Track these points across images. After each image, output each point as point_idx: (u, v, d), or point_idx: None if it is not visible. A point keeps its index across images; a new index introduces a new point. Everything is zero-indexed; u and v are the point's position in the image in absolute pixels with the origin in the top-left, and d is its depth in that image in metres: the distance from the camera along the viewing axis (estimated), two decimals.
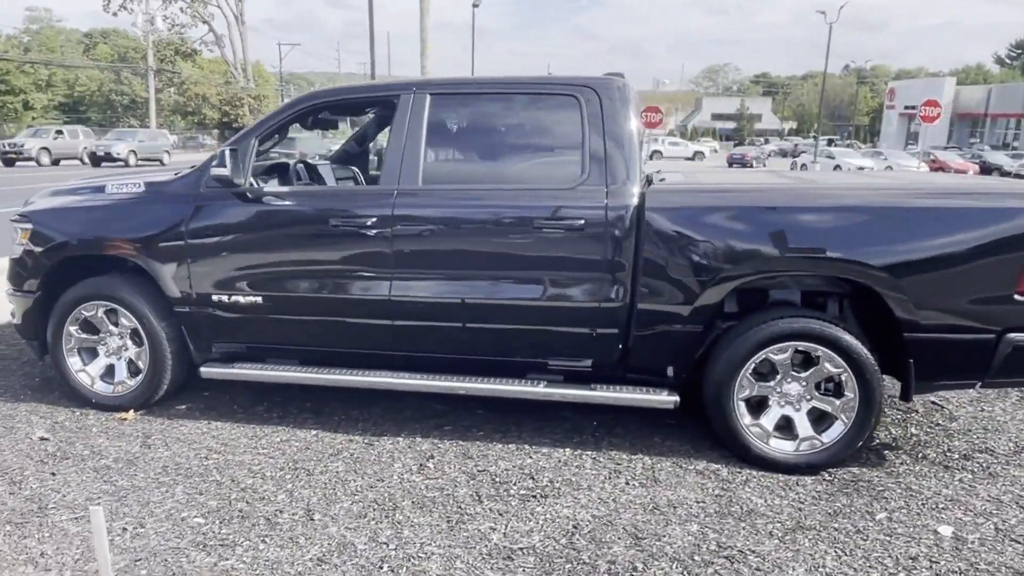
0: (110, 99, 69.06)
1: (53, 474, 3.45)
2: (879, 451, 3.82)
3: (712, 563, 2.78)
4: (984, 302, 3.35)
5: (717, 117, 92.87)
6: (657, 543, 2.91)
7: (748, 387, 3.56)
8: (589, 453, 3.74)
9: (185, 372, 4.21)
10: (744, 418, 3.58)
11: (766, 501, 3.28)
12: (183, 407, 4.30)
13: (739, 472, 3.55)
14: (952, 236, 3.32)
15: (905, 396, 3.55)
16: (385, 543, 2.91)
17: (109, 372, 4.24)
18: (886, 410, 4.39)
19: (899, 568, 2.78)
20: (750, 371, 3.54)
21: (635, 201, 3.55)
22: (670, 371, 3.71)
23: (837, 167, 32.76)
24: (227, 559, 2.78)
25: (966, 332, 3.38)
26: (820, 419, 3.57)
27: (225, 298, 3.95)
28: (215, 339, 4.08)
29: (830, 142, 58.93)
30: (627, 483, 3.43)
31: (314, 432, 3.97)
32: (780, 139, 74.57)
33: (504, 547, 2.89)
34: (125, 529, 2.98)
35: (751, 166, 42.47)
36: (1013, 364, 3.37)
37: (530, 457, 3.69)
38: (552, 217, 3.58)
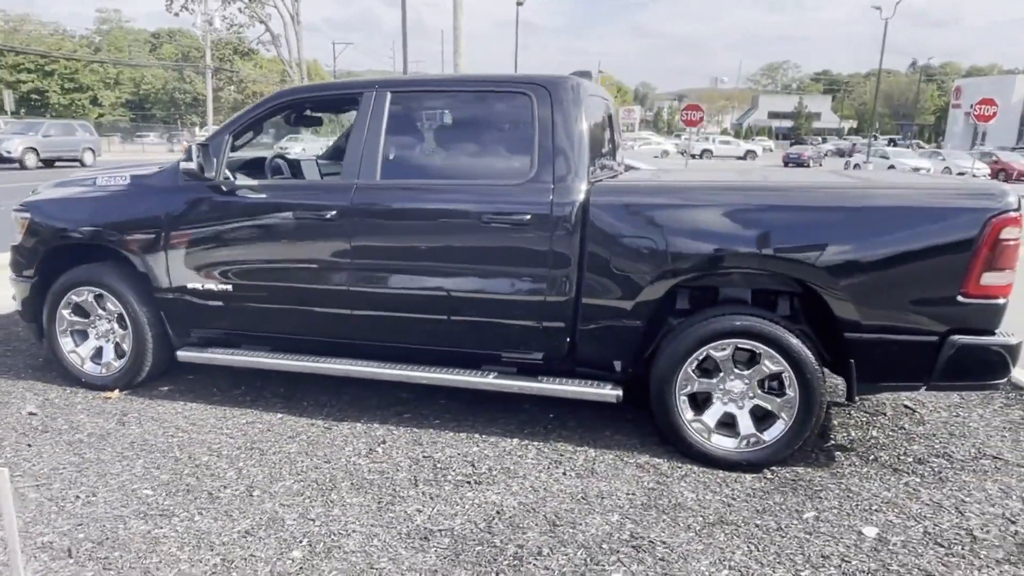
0: (174, 97, 71.63)
1: (29, 445, 3.71)
2: (830, 452, 3.79)
3: (618, 551, 2.84)
4: (927, 303, 3.31)
5: (774, 115, 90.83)
6: (571, 530, 2.98)
7: (690, 383, 3.58)
8: (536, 444, 3.82)
9: (167, 355, 4.44)
10: (686, 414, 3.60)
11: (697, 496, 3.31)
12: (166, 388, 4.54)
13: (679, 467, 3.58)
14: (894, 235, 3.28)
15: (849, 397, 3.52)
16: (313, 520, 3.06)
17: (98, 353, 4.51)
18: (852, 412, 4.34)
19: (807, 565, 2.78)
20: (693, 367, 3.56)
21: (581, 197, 3.61)
22: (617, 365, 3.76)
23: (891, 167, 31.73)
24: (161, 528, 2.97)
25: (908, 333, 3.33)
26: (765, 417, 3.57)
27: (199, 286, 4.17)
28: (192, 325, 4.30)
29: (892, 142, 57.03)
30: (564, 473, 3.50)
31: (280, 416, 4.15)
32: (839, 138, 72.49)
33: (424, 528, 3.00)
34: (78, 497, 3.21)
35: (807, 165, 41.62)
36: (957, 366, 3.31)
37: (477, 446, 3.79)
38: (500, 212, 3.66)
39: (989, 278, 3.23)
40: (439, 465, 3.57)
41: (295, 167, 4.83)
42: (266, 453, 3.67)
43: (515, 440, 3.86)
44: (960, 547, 2.93)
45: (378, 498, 3.24)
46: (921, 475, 3.56)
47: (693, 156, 52.21)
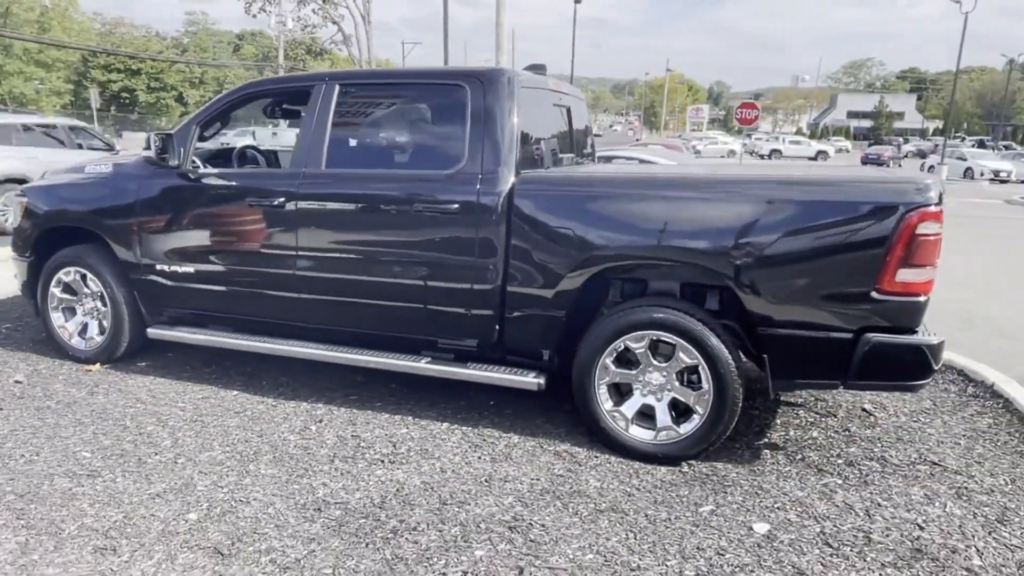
0: None
1: (1, 409, 4.05)
2: (760, 449, 3.74)
3: (492, 530, 2.90)
4: (841, 299, 3.23)
5: (853, 115, 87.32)
6: (456, 510, 3.06)
7: (609, 373, 3.60)
8: (464, 429, 3.90)
9: (143, 332, 4.72)
10: (605, 403, 3.62)
11: (602, 485, 3.33)
12: (143, 364, 4.84)
13: (596, 457, 3.60)
14: (806, 229, 3.22)
15: (766, 393, 3.46)
16: (222, 487, 3.24)
17: (84, 329, 4.85)
18: (799, 412, 4.24)
19: (678, 555, 2.78)
20: (612, 358, 3.58)
21: (507, 188, 3.67)
22: (545, 355, 3.80)
23: (968, 170, 30.13)
24: (82, 486, 3.21)
25: (821, 330, 3.26)
26: (686, 410, 3.55)
27: (166, 267, 4.43)
28: (162, 304, 4.58)
29: (980, 143, 54.02)
30: (479, 457, 3.58)
31: (235, 393, 4.37)
32: (921, 139, 69.13)
33: (322, 500, 3.14)
34: (23, 456, 3.49)
35: (887, 166, 39.94)
36: (872, 365, 3.22)
37: (407, 428, 3.91)
38: (430, 201, 3.77)
39: (905, 274, 3.13)
40: (363, 444, 3.70)
41: (271, 157, 5.05)
42: (207, 426, 3.89)
43: (445, 424, 3.95)
44: (850, 548, 2.86)
45: (291, 471, 3.40)
46: (845, 477, 3.47)
47: (761, 156, 50.90)
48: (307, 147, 4.07)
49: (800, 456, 3.67)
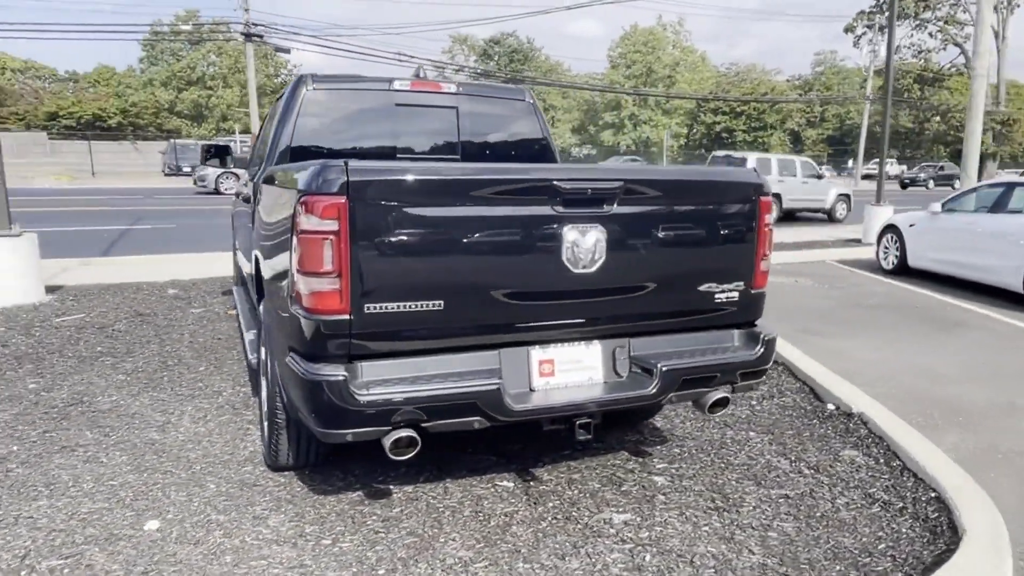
0: (872, 130, 70.66)
1: (155, 315, 6.33)
2: (395, 478, 3.21)
3: (70, 428, 3.74)
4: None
5: None
6: (77, 418, 3.87)
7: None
8: (197, 396, 4.40)
9: None
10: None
11: (194, 467, 3.44)
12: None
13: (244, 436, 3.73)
14: (271, 221, 2.86)
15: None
16: (80, 381, 4.66)
17: None
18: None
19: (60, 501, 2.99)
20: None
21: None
22: None
23: None
24: (103, 353, 5.13)
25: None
26: None
27: None
28: None
29: None
30: (152, 409, 4.14)
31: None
32: None
33: (43, 393, 4.33)
34: (106, 337, 5.62)
35: None
36: None
37: (173, 389, 4.56)
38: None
39: (301, 282, 2.46)
40: (141, 378, 4.70)
41: None
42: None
43: (200, 384, 4.61)
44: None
45: (112, 380, 4.61)
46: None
47: None
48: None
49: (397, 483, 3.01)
